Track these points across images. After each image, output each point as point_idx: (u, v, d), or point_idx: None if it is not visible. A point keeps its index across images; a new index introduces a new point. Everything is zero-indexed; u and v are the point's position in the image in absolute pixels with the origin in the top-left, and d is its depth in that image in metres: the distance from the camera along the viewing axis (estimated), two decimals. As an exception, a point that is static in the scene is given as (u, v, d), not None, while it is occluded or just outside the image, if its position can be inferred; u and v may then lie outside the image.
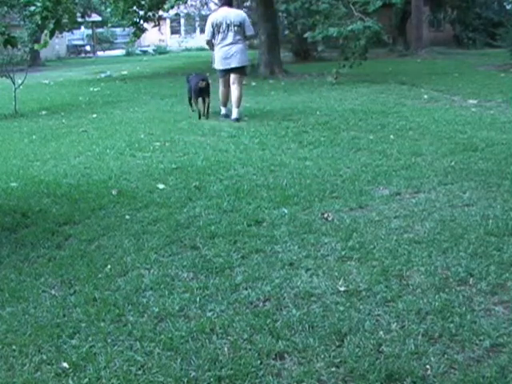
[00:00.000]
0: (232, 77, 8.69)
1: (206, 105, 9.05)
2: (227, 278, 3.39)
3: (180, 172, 5.85)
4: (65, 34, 32.30)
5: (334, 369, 2.49)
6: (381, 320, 2.85)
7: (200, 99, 9.04)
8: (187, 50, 36.24)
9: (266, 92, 12.40)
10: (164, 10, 19.09)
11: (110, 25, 34.58)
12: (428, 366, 2.47)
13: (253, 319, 2.89)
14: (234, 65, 8.59)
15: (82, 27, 36.71)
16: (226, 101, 8.90)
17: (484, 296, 3.05)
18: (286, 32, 22.39)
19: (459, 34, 29.10)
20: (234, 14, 8.65)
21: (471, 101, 9.89)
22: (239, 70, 8.70)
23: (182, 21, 37.85)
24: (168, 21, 37.63)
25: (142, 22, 19.18)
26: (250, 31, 8.75)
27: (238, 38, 8.54)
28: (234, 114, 8.70)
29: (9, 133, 8.89)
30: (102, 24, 38.08)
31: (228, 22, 8.49)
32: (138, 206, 4.80)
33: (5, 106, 11.67)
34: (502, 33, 19.08)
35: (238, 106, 8.71)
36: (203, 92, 8.93)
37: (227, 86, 8.77)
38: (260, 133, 7.71)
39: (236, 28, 8.50)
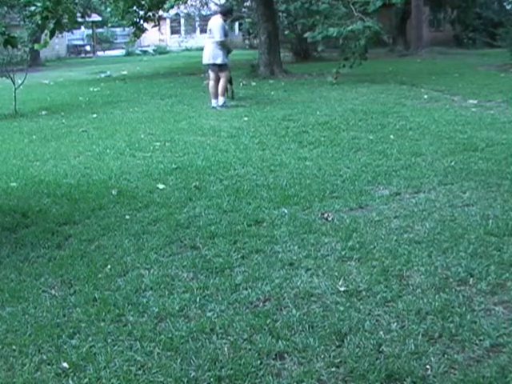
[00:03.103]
0: (216, 72, 10.35)
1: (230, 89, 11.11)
2: (227, 277, 3.39)
3: (180, 172, 5.85)
4: (65, 33, 32.23)
5: (334, 369, 2.49)
6: (381, 320, 2.85)
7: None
8: (187, 49, 36.19)
9: (266, 92, 12.39)
10: (164, 10, 19.06)
11: (110, 25, 34.59)
12: (428, 366, 2.48)
13: (253, 319, 2.90)
14: (208, 62, 10.37)
15: (82, 27, 36.63)
16: (213, 92, 10.37)
17: (484, 296, 3.05)
18: (286, 32, 22.35)
19: (459, 34, 29.08)
20: (212, 22, 10.46)
21: (471, 101, 9.88)
22: (216, 67, 10.28)
23: (182, 21, 37.79)
24: (168, 21, 37.58)
25: (141, 21, 19.16)
26: (217, 37, 10.13)
27: (212, 40, 10.24)
28: (214, 103, 10.28)
29: (9, 133, 8.90)
30: (102, 24, 38.03)
31: (209, 27, 10.45)
32: (138, 206, 4.80)
33: (5, 105, 11.67)
34: (502, 33, 19.08)
35: (216, 97, 10.29)
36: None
37: (210, 79, 10.44)
38: (260, 133, 7.71)
39: (211, 33, 10.32)
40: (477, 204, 4.47)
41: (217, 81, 10.31)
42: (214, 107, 10.27)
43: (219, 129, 8.19)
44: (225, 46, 10.23)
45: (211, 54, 10.25)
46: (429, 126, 7.60)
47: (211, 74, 10.41)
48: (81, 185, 5.55)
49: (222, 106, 10.24)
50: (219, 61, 10.23)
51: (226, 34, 10.23)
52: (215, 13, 10.61)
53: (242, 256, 3.70)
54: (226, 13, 10.65)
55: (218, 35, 10.15)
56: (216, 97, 10.31)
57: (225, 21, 10.40)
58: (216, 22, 10.33)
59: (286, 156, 6.35)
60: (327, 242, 3.85)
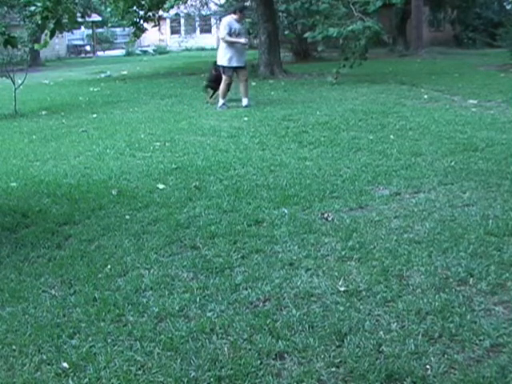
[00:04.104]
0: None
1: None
2: (227, 277, 3.39)
3: (180, 172, 5.85)
4: (65, 33, 32.19)
5: (334, 369, 2.49)
6: (381, 320, 2.85)
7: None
8: (187, 49, 36.20)
9: (266, 92, 12.39)
10: (164, 10, 19.08)
11: (110, 25, 34.60)
12: (428, 366, 2.48)
13: (253, 319, 2.90)
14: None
15: (82, 27, 36.61)
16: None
17: (484, 296, 3.05)
18: (286, 32, 22.36)
19: (459, 34, 29.08)
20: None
21: (471, 101, 9.88)
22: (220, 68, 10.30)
23: (182, 21, 37.78)
24: (168, 21, 37.56)
25: (141, 21, 19.16)
26: (219, 34, 10.31)
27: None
28: (245, 102, 10.33)
29: (9, 133, 8.90)
30: (102, 24, 38.02)
31: None
32: (138, 206, 4.80)
33: (5, 105, 11.67)
34: (502, 33, 19.08)
35: (220, 97, 10.28)
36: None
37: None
38: (260, 133, 7.71)
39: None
40: (477, 204, 4.47)
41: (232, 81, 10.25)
42: (245, 106, 10.20)
43: (219, 129, 8.19)
44: (231, 45, 9.95)
45: (218, 54, 10.24)
46: (429, 126, 7.60)
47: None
48: (81, 185, 5.55)
49: (220, 106, 10.21)
50: (219, 62, 10.19)
51: (230, 33, 9.94)
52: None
53: (242, 256, 3.70)
54: (235, 11, 10.39)
55: (220, 33, 10.17)
56: (245, 96, 10.26)
57: (238, 20, 10.10)
58: (222, 20, 10.34)
59: (286, 156, 6.35)
60: (327, 242, 3.85)
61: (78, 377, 2.52)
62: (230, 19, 10.13)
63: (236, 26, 10.10)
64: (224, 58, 10.06)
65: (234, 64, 10.07)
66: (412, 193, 4.87)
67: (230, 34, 9.97)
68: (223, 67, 10.13)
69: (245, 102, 10.26)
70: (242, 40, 10.07)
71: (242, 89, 10.34)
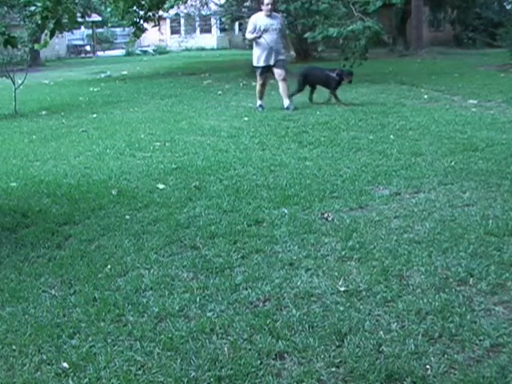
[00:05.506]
0: None
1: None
2: (227, 277, 3.39)
3: (180, 172, 5.85)
4: (65, 33, 32.17)
5: (334, 369, 2.49)
6: (381, 320, 2.85)
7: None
8: (187, 49, 36.19)
9: (266, 92, 12.34)
10: (164, 10, 19.07)
11: (110, 25, 34.61)
12: (428, 366, 2.48)
13: (253, 319, 2.90)
14: None
15: (82, 27, 36.60)
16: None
17: (484, 296, 3.05)
18: (286, 32, 22.36)
19: (459, 34, 29.10)
20: None
21: (471, 101, 9.88)
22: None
23: (182, 21, 37.76)
24: (168, 21, 37.55)
25: (141, 21, 19.17)
26: None
27: None
28: (287, 103, 9.74)
29: (9, 133, 8.89)
30: (102, 24, 38.03)
31: None
32: (138, 206, 4.80)
33: (5, 105, 11.67)
34: (502, 33, 19.08)
35: (257, 98, 9.95)
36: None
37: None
38: (260, 133, 7.70)
39: None
40: (477, 204, 4.47)
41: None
42: (286, 108, 9.54)
43: (219, 129, 8.18)
44: (257, 44, 9.44)
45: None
46: (429, 126, 7.60)
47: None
48: (81, 185, 5.55)
49: (256, 108, 9.85)
50: (253, 62, 9.79)
51: (255, 30, 9.32)
52: None
53: (242, 256, 3.70)
54: (260, 3, 9.90)
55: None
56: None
57: (267, 14, 9.32)
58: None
59: (286, 156, 6.35)
60: (327, 242, 3.85)
61: (78, 377, 2.52)
62: (257, 15, 9.54)
63: (262, 21, 9.36)
64: (254, 57, 9.67)
65: (262, 64, 9.54)
66: (412, 193, 4.87)
67: (253, 32, 9.38)
68: (255, 67, 9.85)
69: (285, 103, 9.61)
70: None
71: (280, 89, 9.72)
